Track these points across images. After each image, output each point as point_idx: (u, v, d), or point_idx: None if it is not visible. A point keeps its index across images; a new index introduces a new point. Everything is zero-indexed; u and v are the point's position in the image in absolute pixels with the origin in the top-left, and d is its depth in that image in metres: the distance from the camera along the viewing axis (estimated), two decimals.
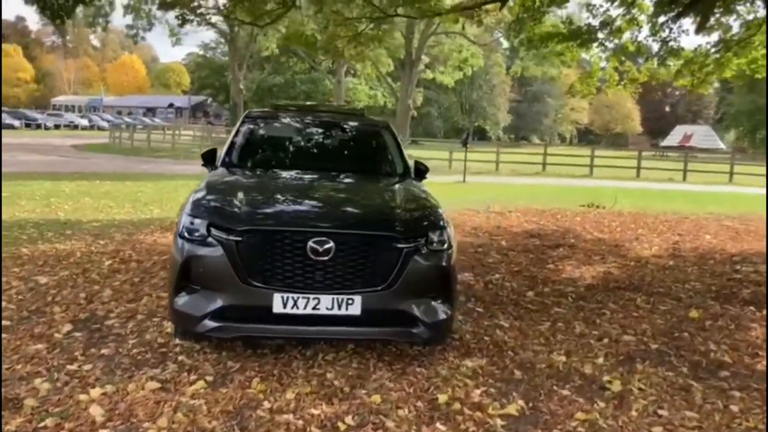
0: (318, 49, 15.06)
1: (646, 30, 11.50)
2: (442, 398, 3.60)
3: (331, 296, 3.70)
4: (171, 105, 78.14)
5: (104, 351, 4.08)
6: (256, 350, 4.12)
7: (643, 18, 10.95)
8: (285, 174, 5.02)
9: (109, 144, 33.93)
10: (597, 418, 3.47)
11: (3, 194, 10.04)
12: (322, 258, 3.69)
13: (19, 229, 8.17)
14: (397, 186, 4.80)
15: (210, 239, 3.73)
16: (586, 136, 79.58)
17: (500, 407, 3.54)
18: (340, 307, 3.71)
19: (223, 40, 77.15)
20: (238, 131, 5.50)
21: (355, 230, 3.82)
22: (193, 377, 3.71)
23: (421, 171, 5.35)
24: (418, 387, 3.75)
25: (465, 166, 22.57)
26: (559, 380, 4.02)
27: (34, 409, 3.24)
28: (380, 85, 46.89)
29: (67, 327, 4.49)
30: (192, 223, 3.83)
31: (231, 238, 3.69)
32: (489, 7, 10.87)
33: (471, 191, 17.26)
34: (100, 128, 53.92)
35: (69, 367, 3.79)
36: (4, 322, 4.52)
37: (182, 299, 3.80)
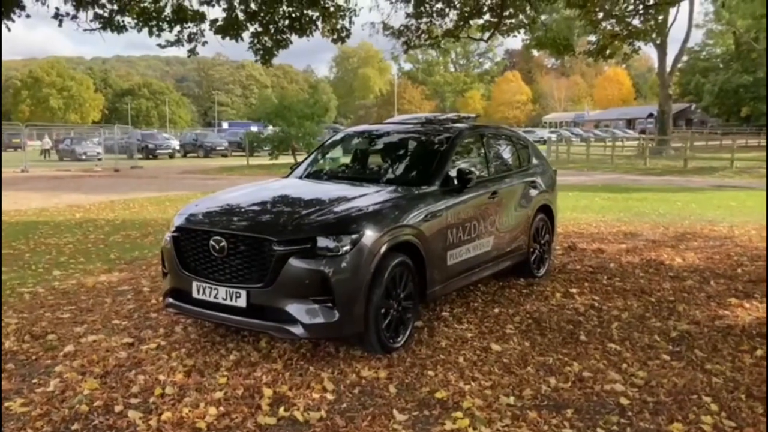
0: (575, 53, 13.25)
1: None
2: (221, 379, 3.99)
3: (225, 288, 4.28)
4: (650, 115, 76.22)
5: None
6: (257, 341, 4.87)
7: None
8: (306, 185, 5.65)
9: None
10: None
11: None
12: (220, 255, 4.31)
13: None
14: (375, 196, 4.82)
15: (171, 234, 4.72)
16: None
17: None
18: (231, 299, 4.25)
19: (710, 41, 71.25)
20: (319, 146, 6.29)
21: (241, 232, 4.29)
22: (159, 341, 4.75)
23: (463, 180, 5.18)
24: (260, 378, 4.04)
25: None
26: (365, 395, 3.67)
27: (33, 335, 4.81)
28: None
29: None
30: (174, 222, 4.87)
31: (174, 234, 4.63)
32: None
33: None
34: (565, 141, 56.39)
35: (116, 322, 5.27)
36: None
37: (164, 280, 4.89)
